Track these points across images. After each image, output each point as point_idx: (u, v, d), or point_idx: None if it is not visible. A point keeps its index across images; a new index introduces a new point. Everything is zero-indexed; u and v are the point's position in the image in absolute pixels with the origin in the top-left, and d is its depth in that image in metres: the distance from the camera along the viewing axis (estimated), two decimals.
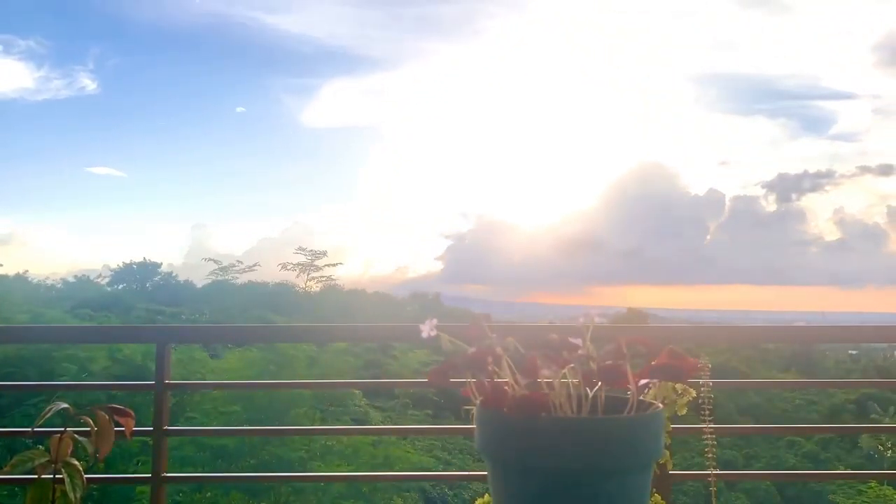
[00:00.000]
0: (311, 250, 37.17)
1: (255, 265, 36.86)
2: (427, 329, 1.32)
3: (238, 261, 37.16)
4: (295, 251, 37.64)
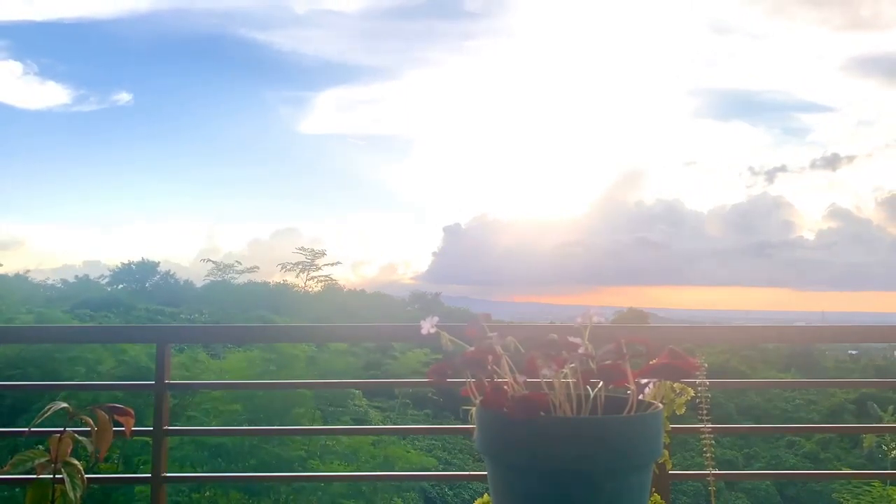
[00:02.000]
0: (311, 250, 37.23)
1: (254, 267, 36.97)
2: (427, 326, 1.32)
3: (237, 261, 37.25)
4: (295, 251, 37.72)
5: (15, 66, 79.06)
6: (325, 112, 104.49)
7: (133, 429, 1.76)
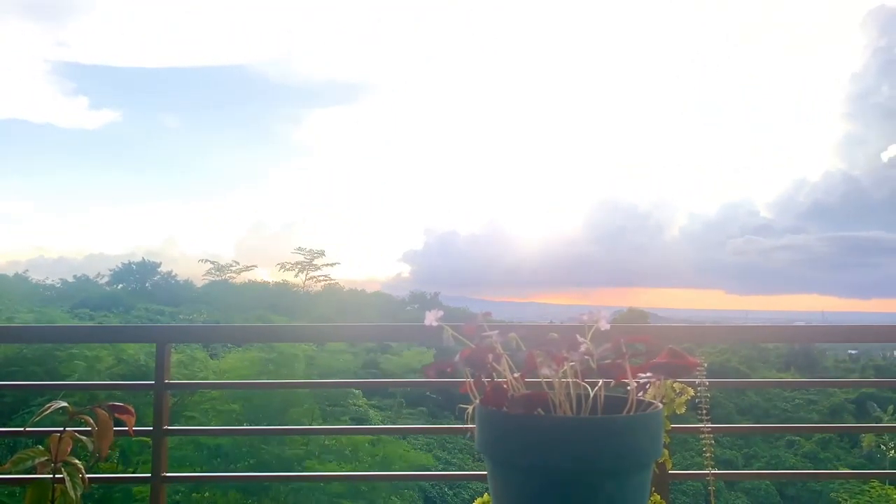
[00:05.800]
0: (310, 250, 37.12)
1: (252, 266, 37.06)
2: (431, 318, 1.31)
3: (235, 261, 37.31)
4: (293, 251, 37.65)
5: (83, 101, 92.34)
6: (320, 125, 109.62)
7: (134, 428, 1.76)
